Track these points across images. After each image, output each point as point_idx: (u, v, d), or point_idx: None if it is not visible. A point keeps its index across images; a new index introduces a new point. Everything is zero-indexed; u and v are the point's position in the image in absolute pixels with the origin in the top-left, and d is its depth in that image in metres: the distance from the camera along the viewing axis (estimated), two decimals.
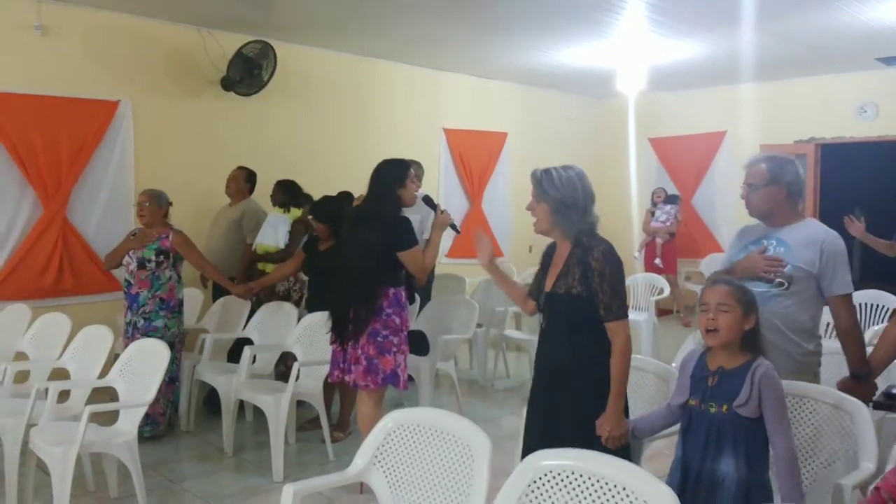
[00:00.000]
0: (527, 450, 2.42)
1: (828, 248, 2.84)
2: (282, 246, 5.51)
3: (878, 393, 3.00)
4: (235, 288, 5.06)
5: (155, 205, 4.80)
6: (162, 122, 6.23)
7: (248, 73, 6.43)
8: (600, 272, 2.64)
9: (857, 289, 3.09)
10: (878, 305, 5.31)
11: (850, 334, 2.90)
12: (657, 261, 8.91)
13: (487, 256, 3.03)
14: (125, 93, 6.01)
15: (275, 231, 5.51)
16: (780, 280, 2.85)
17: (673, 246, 9.09)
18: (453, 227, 4.11)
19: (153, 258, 4.71)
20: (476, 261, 3.15)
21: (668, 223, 9.05)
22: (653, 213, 9.25)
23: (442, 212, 4.06)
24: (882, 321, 5.10)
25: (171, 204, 4.92)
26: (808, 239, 2.87)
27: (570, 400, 2.72)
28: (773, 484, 2.37)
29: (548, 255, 2.92)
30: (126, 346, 4.28)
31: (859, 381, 2.85)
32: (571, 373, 2.73)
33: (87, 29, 5.84)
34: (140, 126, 6.09)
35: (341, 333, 3.86)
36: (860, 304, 5.12)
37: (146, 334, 4.57)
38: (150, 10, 5.98)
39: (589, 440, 2.57)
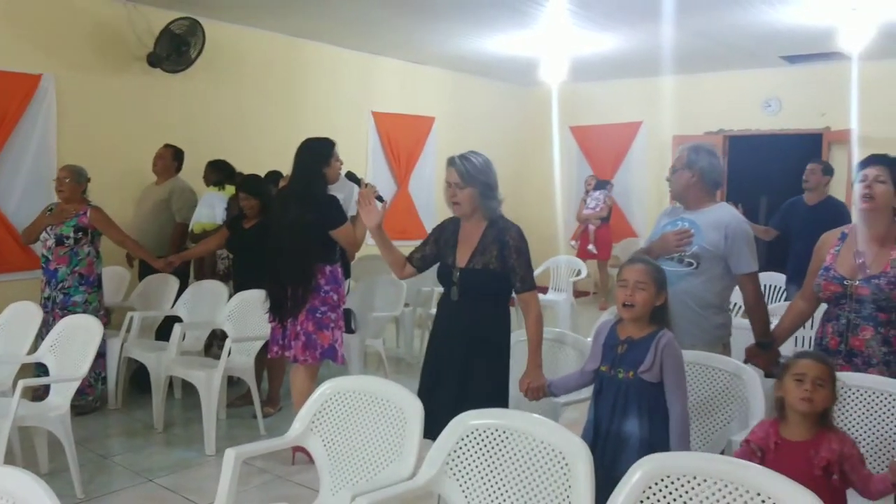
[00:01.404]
0: (436, 410, 2.57)
1: (732, 232, 3.11)
2: (219, 223, 5.51)
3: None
4: (156, 261, 5.10)
5: (74, 181, 4.80)
6: (86, 97, 6.09)
7: (176, 49, 6.34)
8: (517, 249, 2.99)
9: None
10: (771, 286, 5.89)
11: (755, 308, 3.20)
12: (590, 247, 9.14)
13: (376, 221, 3.21)
14: (48, 66, 5.85)
15: (211, 209, 5.52)
16: (689, 260, 3.12)
17: (607, 231, 9.31)
18: (379, 198, 4.21)
19: (71, 234, 4.72)
20: (402, 242, 3.32)
21: (597, 209, 9.30)
22: (585, 202, 9.50)
23: (366, 185, 4.16)
24: (777, 300, 5.66)
25: (89, 180, 4.91)
26: (715, 222, 3.14)
27: (483, 363, 2.98)
28: None
29: (445, 232, 3.15)
30: (46, 321, 4.26)
31: (763, 349, 3.15)
32: (483, 339, 3.00)
33: None
34: (63, 101, 5.94)
35: (280, 311, 3.97)
36: None
37: (65, 309, 4.60)
38: None
39: (501, 397, 2.84)
